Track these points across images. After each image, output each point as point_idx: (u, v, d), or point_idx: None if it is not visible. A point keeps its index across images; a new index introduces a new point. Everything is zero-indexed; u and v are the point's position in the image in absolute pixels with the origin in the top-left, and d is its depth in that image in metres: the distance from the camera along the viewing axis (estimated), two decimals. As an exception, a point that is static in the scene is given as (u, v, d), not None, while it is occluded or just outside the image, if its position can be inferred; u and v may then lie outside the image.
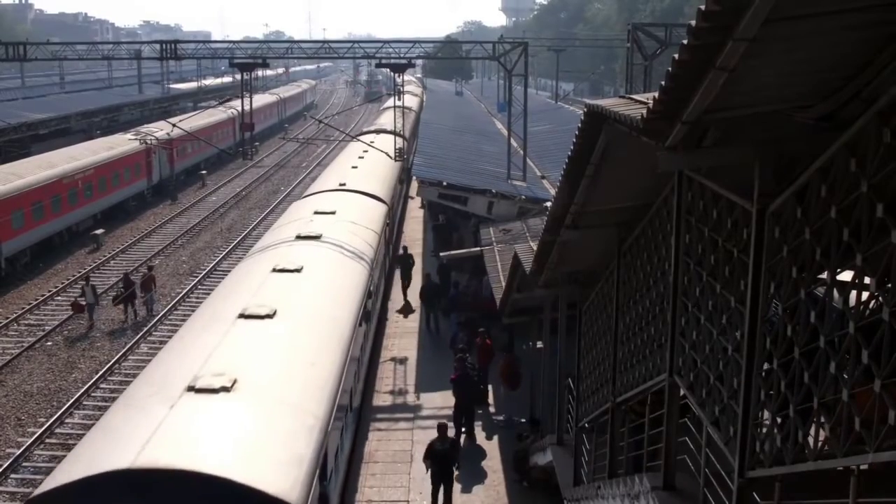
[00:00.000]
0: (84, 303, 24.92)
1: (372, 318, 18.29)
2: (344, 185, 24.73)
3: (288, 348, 11.04)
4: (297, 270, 14.25)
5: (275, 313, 11.61)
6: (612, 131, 6.65)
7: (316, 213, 20.05)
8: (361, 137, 37.86)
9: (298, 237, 17.16)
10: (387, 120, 45.59)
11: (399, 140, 32.99)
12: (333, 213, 20.08)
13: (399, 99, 35.29)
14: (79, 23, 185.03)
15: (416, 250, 33.08)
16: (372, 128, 45.22)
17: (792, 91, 4.90)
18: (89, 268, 30.68)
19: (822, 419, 4.50)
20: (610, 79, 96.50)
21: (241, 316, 11.49)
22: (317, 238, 17.12)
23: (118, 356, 22.10)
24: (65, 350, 22.89)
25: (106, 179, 37.58)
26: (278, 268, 14.29)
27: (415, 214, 39.26)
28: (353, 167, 29.07)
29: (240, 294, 13.11)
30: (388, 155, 32.87)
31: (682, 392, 7.21)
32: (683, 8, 75.99)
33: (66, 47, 44.46)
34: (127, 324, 25.03)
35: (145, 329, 24.17)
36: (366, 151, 32.55)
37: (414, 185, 38.93)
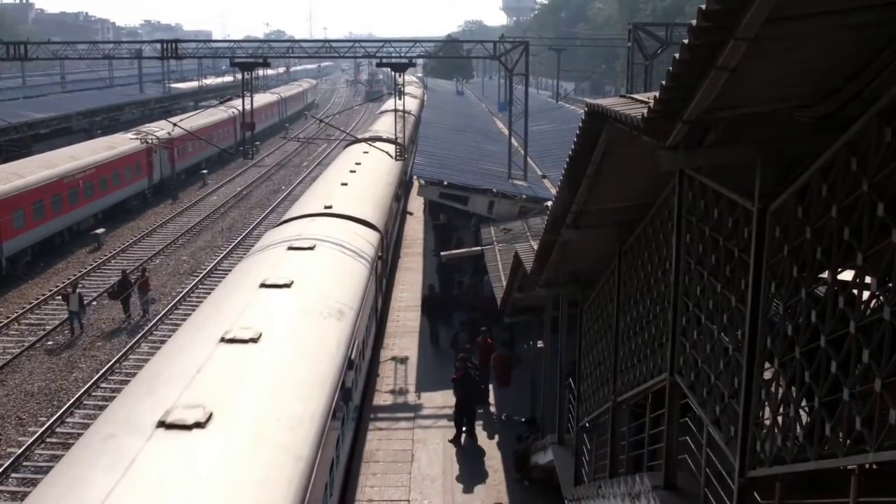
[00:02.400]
0: (68, 310, 24.07)
1: (353, 394, 14.04)
2: (329, 207, 20.96)
3: (217, 473, 7.73)
4: (253, 340, 10.65)
5: (208, 419, 8.19)
6: (613, 131, 6.65)
7: (290, 248, 16.40)
8: (355, 147, 35.48)
9: (263, 285, 13.40)
10: (383, 127, 42.81)
11: (398, 150, 31.97)
12: (312, 248, 16.43)
13: (399, 99, 35.14)
14: (79, 22, 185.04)
15: (417, 250, 33.14)
16: (367, 135, 40.09)
17: (793, 90, 4.90)
18: (84, 271, 30.67)
19: (823, 418, 4.50)
20: (611, 78, 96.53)
21: (162, 425, 8.07)
22: (286, 287, 13.42)
23: (119, 356, 22.11)
24: (65, 349, 22.89)
25: (107, 179, 37.59)
26: (228, 337, 10.64)
27: (416, 214, 39.24)
28: (343, 184, 24.98)
29: (167, 388, 9.19)
30: (388, 159, 31.45)
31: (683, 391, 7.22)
32: (684, 7, 75.99)
33: (66, 47, 44.39)
34: (127, 323, 24.99)
35: (146, 329, 24.18)
36: (358, 164, 29.27)
37: (412, 200, 36.98)
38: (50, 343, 23.30)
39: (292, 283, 13.57)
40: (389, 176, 30.09)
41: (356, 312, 14.24)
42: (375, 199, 24.60)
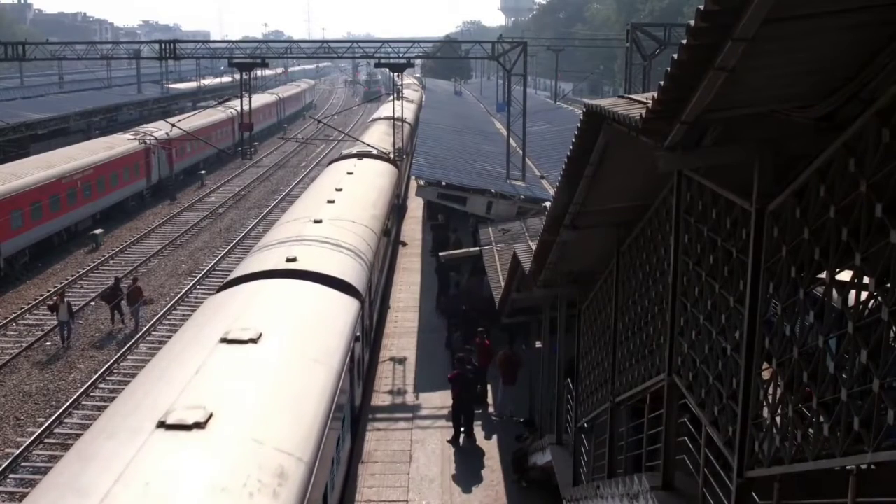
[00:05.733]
0: (57, 319, 23.27)
1: None
2: (293, 261, 15.37)
3: None
4: None
5: None
6: (611, 131, 6.65)
7: (224, 341, 10.45)
8: (339, 165, 30.20)
9: (162, 425, 7.87)
10: (374, 138, 37.61)
11: (392, 169, 29.84)
12: (255, 341, 10.55)
13: (398, 99, 35.02)
14: (78, 22, 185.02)
15: (415, 250, 33.14)
16: (354, 149, 34.19)
17: (791, 91, 4.90)
18: (82, 272, 30.64)
19: (822, 419, 4.50)
20: (609, 79, 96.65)
21: None
22: (198, 427, 7.89)
23: (117, 356, 22.09)
24: (63, 350, 22.84)
25: (105, 179, 37.56)
26: None
27: (414, 214, 39.26)
28: (316, 221, 19.09)
29: None
30: (377, 180, 27.65)
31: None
32: (683, 8, 76.11)
33: (64, 47, 44.52)
34: (115, 330, 24.36)
35: (144, 329, 24.14)
36: (339, 191, 23.58)
37: (407, 225, 34.42)
38: (48, 343, 23.26)
39: (210, 417, 8.08)
40: (377, 206, 23.98)
41: (309, 467, 8.56)
42: (357, 245, 18.66)
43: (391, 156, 31.91)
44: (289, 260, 15.48)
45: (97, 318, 25.31)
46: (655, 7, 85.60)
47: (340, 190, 23.76)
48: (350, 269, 16.50)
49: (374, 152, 32.47)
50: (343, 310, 14.04)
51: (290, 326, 11.98)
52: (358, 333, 14.36)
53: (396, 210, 31.92)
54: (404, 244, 33.58)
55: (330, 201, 21.91)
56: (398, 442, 16.94)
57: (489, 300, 20.15)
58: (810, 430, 4.67)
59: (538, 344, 18.20)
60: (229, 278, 16.00)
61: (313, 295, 13.98)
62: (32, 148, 44.19)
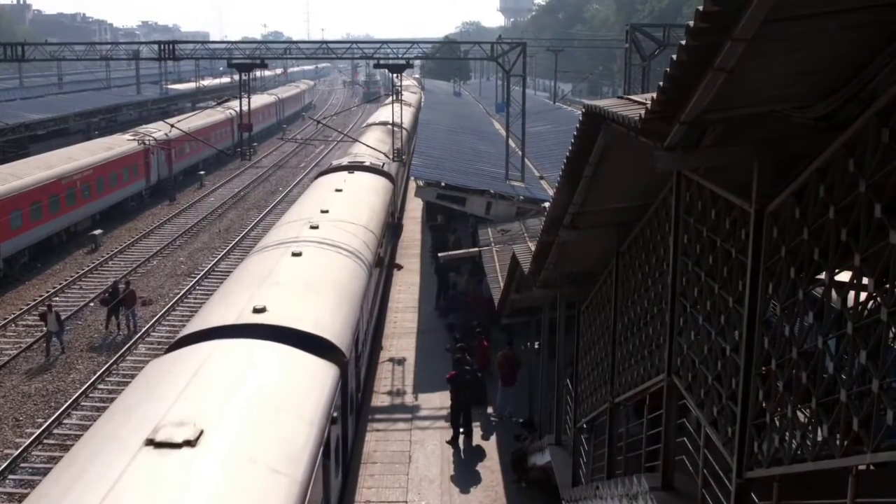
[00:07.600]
0: (46, 329, 22.60)
1: None
2: (261, 311, 12.40)
3: None
4: None
5: None
6: (610, 132, 6.65)
7: (151, 443, 7.59)
8: (329, 179, 27.35)
9: None
10: (369, 143, 34.95)
11: (387, 184, 28.38)
12: (193, 442, 7.67)
13: (397, 101, 34.85)
14: (77, 23, 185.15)
15: (414, 251, 33.15)
16: (346, 160, 31.65)
17: (790, 91, 4.90)
18: (81, 272, 30.63)
19: (821, 419, 4.50)
20: (608, 79, 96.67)
21: None
22: None
23: (116, 357, 22.07)
24: (62, 351, 22.79)
25: (104, 180, 37.55)
26: None
27: (413, 215, 39.26)
28: (295, 255, 16.04)
29: None
30: (371, 197, 25.25)
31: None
32: (682, 8, 76.16)
33: (64, 48, 44.48)
34: (114, 334, 24.11)
35: (143, 330, 24.13)
36: (325, 212, 20.48)
37: (407, 252, 33.06)
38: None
39: None
40: (368, 231, 20.74)
41: None
42: (343, 285, 15.70)
43: (387, 165, 31.12)
44: (256, 311, 12.41)
45: (96, 320, 25.28)
46: (655, 7, 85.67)
47: (326, 212, 20.58)
48: (332, 321, 13.42)
49: (367, 164, 30.29)
50: (317, 385, 10.77)
51: (244, 416, 8.91)
52: (335, 414, 10.96)
53: (391, 231, 28.90)
54: (399, 267, 30.02)
55: (313, 227, 18.68)
56: (397, 443, 16.94)
57: (489, 303, 20.13)
58: (809, 431, 4.67)
59: (538, 344, 18.18)
60: (182, 334, 12.87)
61: (280, 364, 10.83)
62: (32, 148, 44.22)
